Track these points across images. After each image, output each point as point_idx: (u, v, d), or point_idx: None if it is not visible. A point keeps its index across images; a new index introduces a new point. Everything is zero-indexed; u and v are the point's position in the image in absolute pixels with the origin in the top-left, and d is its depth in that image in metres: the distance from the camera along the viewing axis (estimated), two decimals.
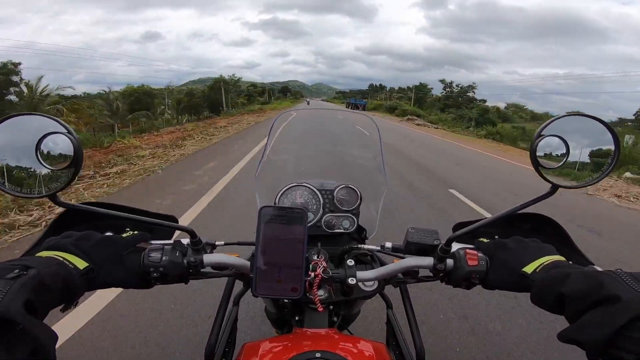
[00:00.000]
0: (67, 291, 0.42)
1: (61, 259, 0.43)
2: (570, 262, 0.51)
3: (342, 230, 0.80)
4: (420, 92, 57.35)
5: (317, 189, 0.82)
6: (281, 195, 0.81)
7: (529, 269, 0.48)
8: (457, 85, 51.62)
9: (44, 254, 0.45)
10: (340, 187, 0.83)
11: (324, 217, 0.79)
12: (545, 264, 0.48)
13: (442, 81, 52.87)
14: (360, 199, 0.82)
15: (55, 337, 0.37)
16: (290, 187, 0.82)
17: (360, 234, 0.82)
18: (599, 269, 0.51)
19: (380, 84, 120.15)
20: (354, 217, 0.81)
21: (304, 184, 0.82)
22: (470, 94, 49.81)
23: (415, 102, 52.53)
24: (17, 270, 0.36)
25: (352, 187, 0.83)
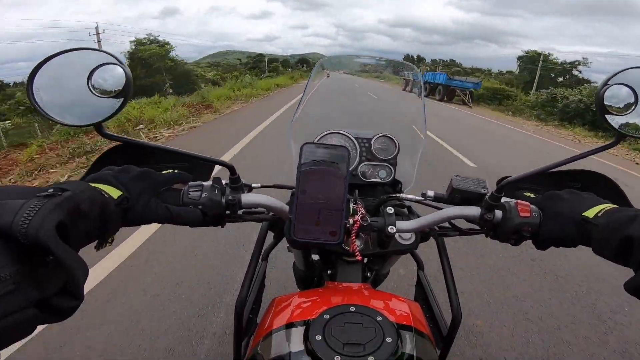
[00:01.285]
0: (103, 221, 0.39)
1: (97, 188, 0.41)
2: None
3: (378, 180, 0.78)
4: (545, 67, 30.78)
5: (354, 137, 0.80)
6: (317, 142, 0.79)
7: (589, 213, 0.44)
8: (550, 61, 32.53)
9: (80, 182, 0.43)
10: (378, 136, 0.81)
11: (360, 166, 0.78)
12: (606, 209, 0.44)
13: (530, 53, 32.92)
14: (398, 149, 0.80)
15: (87, 273, 0.33)
16: (327, 134, 0.81)
17: (395, 187, 0.81)
18: None
19: (418, 56, 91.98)
20: (391, 167, 0.79)
21: (340, 132, 0.81)
22: (577, 73, 32.54)
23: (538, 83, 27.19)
24: (51, 190, 0.33)
25: (390, 136, 0.81)
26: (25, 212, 0.28)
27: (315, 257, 0.71)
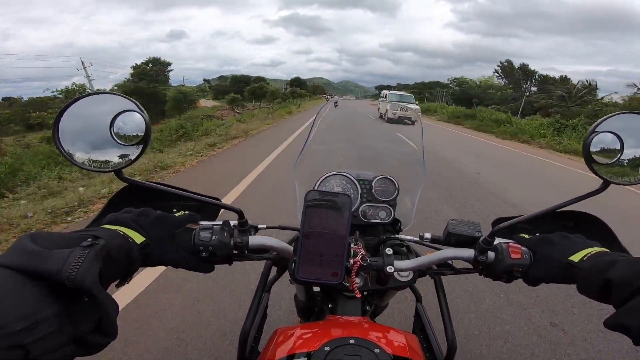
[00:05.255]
0: (127, 264, 0.43)
1: (122, 233, 0.44)
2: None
3: (378, 221, 0.80)
4: None
5: (356, 179, 0.82)
6: (320, 183, 0.82)
7: (575, 257, 0.48)
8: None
9: (107, 227, 0.46)
10: (379, 177, 0.83)
11: (361, 207, 0.80)
12: (591, 253, 0.48)
13: (557, 78, 29.20)
14: (398, 190, 0.82)
15: (117, 309, 0.37)
16: (329, 176, 0.83)
17: (395, 226, 0.83)
18: None
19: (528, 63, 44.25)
20: (390, 208, 0.80)
21: (342, 173, 0.83)
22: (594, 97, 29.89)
23: None
24: (90, 240, 0.37)
25: (390, 178, 0.83)
26: (72, 262, 0.32)
27: (317, 289, 0.73)
